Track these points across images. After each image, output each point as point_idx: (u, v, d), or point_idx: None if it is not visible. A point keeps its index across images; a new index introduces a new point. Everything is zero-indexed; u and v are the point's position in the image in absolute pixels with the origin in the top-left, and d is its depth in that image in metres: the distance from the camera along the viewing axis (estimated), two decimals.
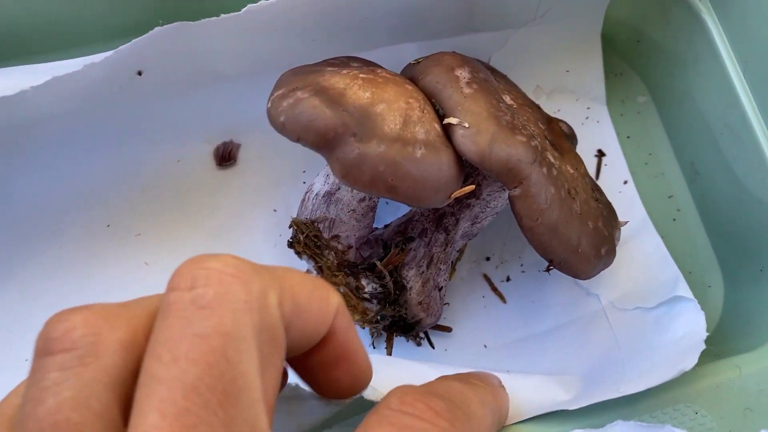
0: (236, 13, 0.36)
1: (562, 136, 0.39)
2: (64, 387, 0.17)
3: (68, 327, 0.18)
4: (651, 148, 0.49)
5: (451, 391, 0.24)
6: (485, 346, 0.42)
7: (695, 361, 0.32)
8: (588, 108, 0.49)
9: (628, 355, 0.37)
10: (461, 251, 0.45)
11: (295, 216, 0.38)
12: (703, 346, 0.33)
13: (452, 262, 0.45)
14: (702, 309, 0.42)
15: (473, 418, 0.24)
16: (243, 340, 0.18)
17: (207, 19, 0.36)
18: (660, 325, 0.37)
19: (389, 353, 0.39)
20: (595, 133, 0.48)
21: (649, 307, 0.39)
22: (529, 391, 0.33)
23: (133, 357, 0.18)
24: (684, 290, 0.37)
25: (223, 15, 0.36)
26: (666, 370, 0.31)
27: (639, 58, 0.50)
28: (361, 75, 0.34)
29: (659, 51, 0.48)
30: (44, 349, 0.18)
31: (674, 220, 0.47)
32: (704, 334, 0.33)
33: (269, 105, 0.33)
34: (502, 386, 0.30)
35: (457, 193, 0.33)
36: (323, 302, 0.22)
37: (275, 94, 0.33)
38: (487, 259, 0.45)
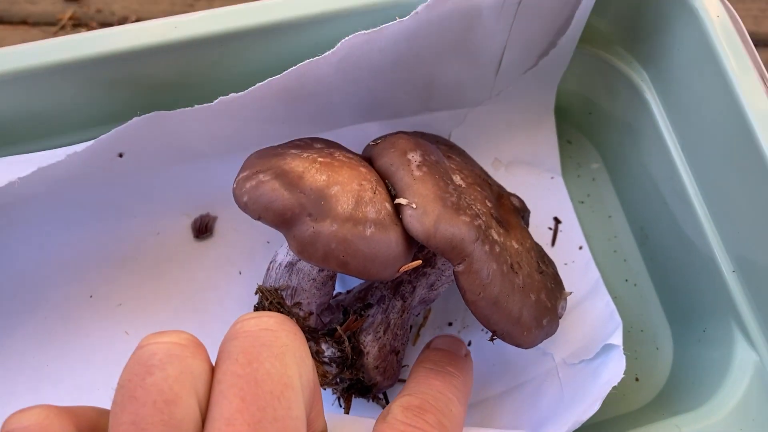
0: (209, 104, 0.40)
1: (511, 211, 0.42)
2: None
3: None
4: (605, 212, 0.52)
5: (437, 398, 0.33)
6: None
7: (596, 408, 0.35)
8: (544, 178, 0.52)
9: (569, 405, 0.39)
10: (426, 317, 0.48)
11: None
12: (607, 391, 0.36)
13: (417, 327, 0.47)
14: (651, 370, 0.45)
15: (454, 420, 0.33)
16: None
17: (182, 109, 0.40)
18: (596, 372, 0.40)
19: (347, 412, 0.41)
20: (552, 201, 0.51)
21: (589, 359, 0.41)
22: None
23: None
24: (616, 338, 0.40)
25: (196, 105, 0.40)
26: (575, 415, 0.34)
27: (591, 127, 0.54)
28: (320, 159, 0.37)
29: (609, 121, 0.52)
30: None
31: (626, 280, 0.49)
32: (617, 380, 0.36)
33: (234, 186, 0.36)
34: (468, 354, 0.40)
35: (405, 268, 0.35)
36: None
37: (240, 176, 0.36)
38: (450, 324, 0.47)
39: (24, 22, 0.65)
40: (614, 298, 0.46)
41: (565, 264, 0.49)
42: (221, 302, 0.47)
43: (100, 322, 0.46)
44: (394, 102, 0.46)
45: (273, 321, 0.26)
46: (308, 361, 0.27)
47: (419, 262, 0.36)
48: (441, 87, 0.46)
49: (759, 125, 0.38)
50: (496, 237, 0.37)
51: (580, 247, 0.49)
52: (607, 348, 0.41)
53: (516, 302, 0.36)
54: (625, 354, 0.46)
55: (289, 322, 0.27)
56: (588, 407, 0.35)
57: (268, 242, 0.49)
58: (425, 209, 0.35)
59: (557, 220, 0.50)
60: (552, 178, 0.52)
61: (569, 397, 0.41)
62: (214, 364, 0.25)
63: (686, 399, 0.41)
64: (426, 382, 0.35)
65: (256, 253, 0.49)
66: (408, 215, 0.36)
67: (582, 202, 0.52)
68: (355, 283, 0.45)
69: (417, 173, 0.37)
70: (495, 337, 0.37)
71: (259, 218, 0.35)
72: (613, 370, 0.38)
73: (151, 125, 0.40)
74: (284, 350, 0.25)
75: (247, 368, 0.24)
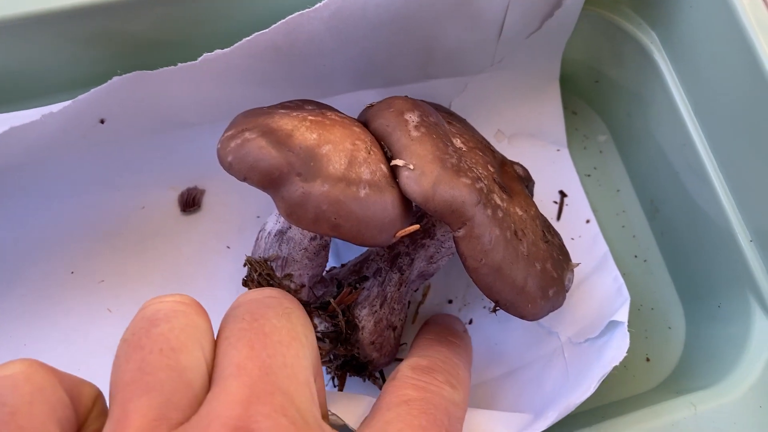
0: (193, 62, 0.37)
1: (514, 179, 0.40)
2: None
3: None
4: (613, 185, 0.50)
5: (445, 361, 0.33)
6: None
7: (591, 391, 0.33)
8: (549, 150, 0.50)
9: (573, 388, 0.37)
10: (425, 294, 0.45)
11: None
12: (606, 373, 0.34)
13: (416, 305, 0.45)
14: (663, 349, 0.42)
15: (462, 382, 0.33)
16: None
17: (165, 68, 0.37)
18: (601, 351, 0.37)
19: (340, 390, 0.39)
20: (557, 173, 0.49)
21: (594, 337, 0.39)
22: (474, 426, 0.33)
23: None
24: (621, 314, 0.37)
25: (180, 64, 0.37)
26: (572, 398, 0.32)
27: (598, 97, 0.51)
28: (310, 117, 0.34)
29: (617, 90, 0.49)
30: None
31: (636, 256, 0.47)
32: (618, 360, 0.34)
33: (219, 145, 0.34)
34: (465, 330, 0.40)
35: (402, 233, 0.33)
36: None
37: (225, 135, 0.34)
38: (450, 302, 0.45)
39: None
40: (623, 276, 0.44)
41: (572, 239, 0.46)
42: (209, 279, 0.45)
43: (82, 299, 0.44)
44: (390, 67, 0.44)
45: (275, 291, 0.27)
46: (311, 330, 0.27)
47: (417, 226, 0.34)
48: (440, 51, 0.44)
49: None
50: (498, 202, 0.35)
51: (587, 221, 0.47)
52: (612, 325, 0.38)
53: (520, 270, 0.34)
54: (635, 333, 0.44)
55: (291, 295, 0.28)
56: (585, 390, 0.33)
57: (258, 217, 0.47)
58: (423, 170, 0.33)
59: (563, 194, 0.48)
60: (558, 150, 0.49)
61: (574, 378, 0.39)
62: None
63: (700, 378, 0.39)
64: (431, 348, 0.35)
65: (246, 227, 0.46)
66: (405, 176, 0.33)
67: (588, 176, 0.50)
68: (350, 257, 0.42)
69: (414, 134, 0.35)
70: (497, 309, 0.35)
71: (244, 179, 0.32)
72: (616, 349, 0.35)
73: (133, 87, 0.38)
74: (289, 311, 0.26)
75: (254, 323, 0.24)
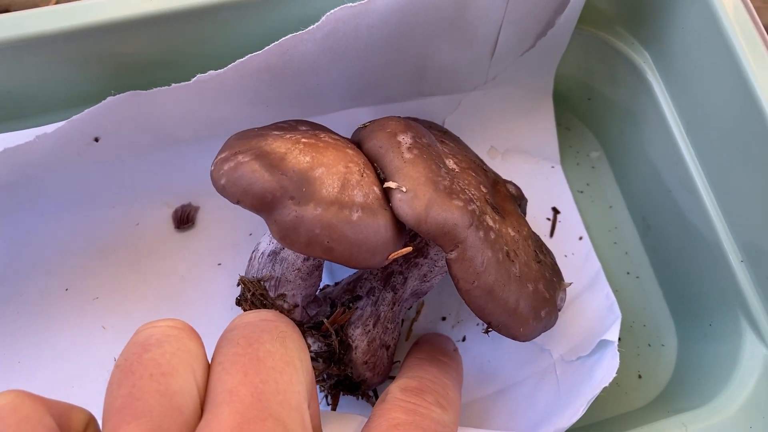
0: (186, 83, 0.37)
1: (507, 199, 0.40)
2: None
3: None
4: (605, 202, 0.50)
5: (435, 381, 0.33)
6: None
7: (580, 414, 0.33)
8: (542, 166, 0.50)
9: (564, 407, 0.37)
10: (418, 311, 0.46)
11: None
12: (596, 395, 0.34)
13: (410, 322, 0.45)
14: (655, 366, 0.42)
15: (452, 403, 0.33)
16: None
17: (158, 88, 0.38)
18: (592, 370, 0.37)
19: (333, 409, 0.39)
20: (550, 190, 0.49)
21: (586, 356, 0.39)
22: None
23: None
24: (612, 333, 0.38)
25: (173, 84, 0.38)
26: (563, 419, 0.33)
27: (591, 114, 0.51)
28: (303, 140, 0.35)
29: (610, 108, 0.50)
30: None
31: (628, 273, 0.47)
32: (608, 381, 0.34)
33: (212, 168, 0.34)
34: (456, 350, 0.40)
35: (395, 255, 0.33)
36: None
37: (218, 158, 0.34)
38: (443, 319, 0.45)
39: (6, 11, 0.63)
40: (615, 293, 0.44)
41: (565, 256, 0.46)
42: (203, 296, 0.45)
43: (76, 316, 0.44)
44: (384, 85, 0.44)
45: (272, 314, 0.27)
46: (306, 354, 0.27)
47: (410, 248, 0.34)
48: (434, 70, 0.44)
49: None
50: (491, 223, 0.35)
51: (580, 238, 0.47)
52: (604, 344, 0.38)
53: (512, 292, 0.34)
54: (627, 350, 0.44)
55: (287, 318, 0.28)
56: (574, 412, 0.33)
57: (251, 234, 0.47)
58: (416, 193, 0.33)
59: (556, 211, 0.48)
60: (552, 167, 0.50)
61: (565, 397, 0.39)
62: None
63: (691, 396, 0.39)
64: (421, 368, 0.35)
65: (240, 245, 0.46)
66: (398, 199, 0.33)
67: (581, 192, 0.50)
68: (343, 275, 0.43)
69: (407, 156, 0.35)
70: (490, 330, 0.35)
71: (237, 202, 0.33)
72: (607, 369, 0.36)
73: (127, 106, 0.38)
74: (284, 335, 0.26)
75: (248, 348, 0.24)
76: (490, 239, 0.34)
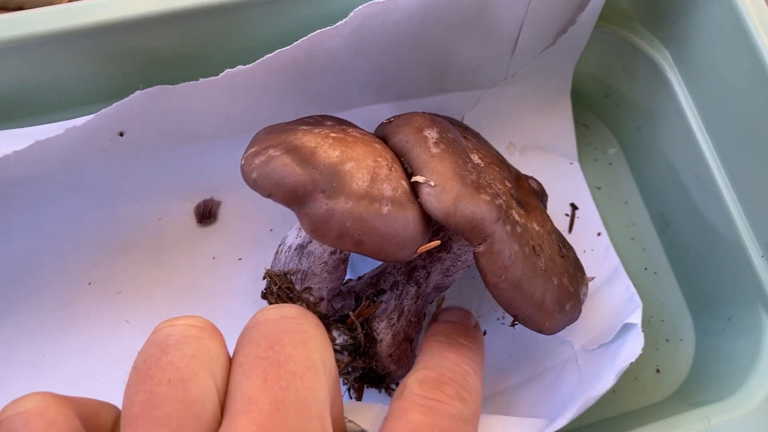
0: (214, 77, 0.38)
1: (530, 194, 0.40)
2: None
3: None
4: (623, 198, 0.50)
5: (455, 370, 0.32)
6: None
7: (611, 383, 0.33)
8: (560, 163, 0.50)
9: (587, 390, 0.37)
10: (439, 305, 0.46)
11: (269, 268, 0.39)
12: (625, 367, 0.34)
13: (432, 317, 0.45)
14: (673, 361, 0.43)
15: (473, 392, 0.32)
16: None
17: (186, 83, 0.38)
18: (616, 353, 0.38)
19: (359, 399, 0.39)
20: (568, 187, 0.50)
21: (608, 342, 0.40)
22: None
23: None
24: (635, 317, 0.38)
25: (201, 79, 0.38)
26: (595, 390, 0.33)
27: (608, 111, 0.52)
28: (332, 134, 0.35)
29: (627, 105, 0.50)
30: None
31: (645, 269, 0.48)
32: (635, 356, 0.34)
33: (243, 162, 0.34)
34: (477, 325, 0.38)
35: (423, 248, 0.34)
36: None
37: (249, 152, 0.35)
38: None
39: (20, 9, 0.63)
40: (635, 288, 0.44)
41: (584, 251, 0.47)
42: (224, 290, 0.45)
43: (99, 310, 0.44)
44: (406, 81, 0.44)
45: (294, 310, 0.26)
46: (330, 353, 0.26)
47: (438, 242, 0.34)
48: (455, 66, 0.44)
49: None
50: (517, 218, 0.35)
51: (599, 234, 0.48)
52: (626, 328, 0.39)
53: (539, 285, 0.34)
54: (645, 345, 0.44)
55: (311, 313, 0.27)
56: (604, 384, 0.33)
57: (271, 230, 0.47)
58: (444, 187, 0.34)
59: (574, 207, 0.49)
60: (571, 163, 0.50)
61: (588, 381, 0.40)
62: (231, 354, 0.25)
63: (710, 390, 0.40)
64: (440, 355, 0.34)
65: (261, 240, 0.47)
66: (426, 193, 0.34)
67: (599, 188, 0.50)
68: (365, 269, 0.43)
69: (434, 150, 0.35)
70: (516, 323, 0.35)
71: (269, 195, 0.33)
72: (631, 348, 0.36)
73: (154, 101, 0.38)
74: (306, 336, 0.25)
75: (269, 351, 0.24)
76: (517, 233, 0.35)
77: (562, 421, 0.34)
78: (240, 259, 0.46)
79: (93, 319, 0.44)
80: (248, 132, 0.39)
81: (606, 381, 0.34)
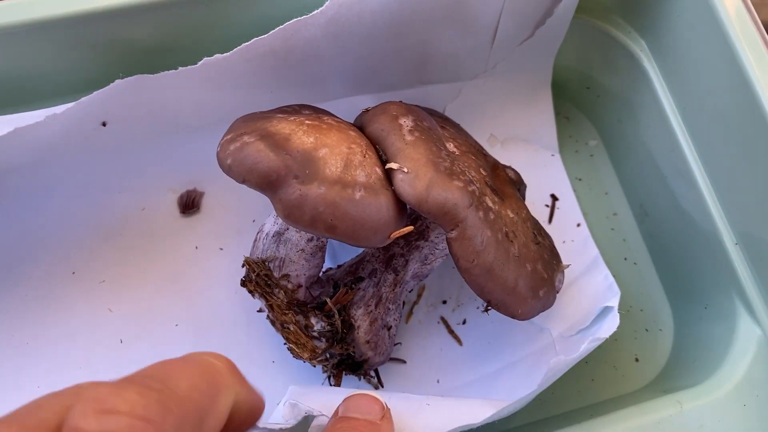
0: (193, 66, 0.38)
1: (506, 182, 0.41)
2: None
3: None
4: (603, 189, 0.51)
5: None
6: (438, 381, 0.43)
7: (584, 347, 0.33)
8: (541, 155, 0.51)
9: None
10: (419, 294, 0.46)
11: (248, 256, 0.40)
12: (598, 339, 0.34)
13: (411, 305, 0.46)
14: (652, 349, 0.43)
15: None
16: None
17: (165, 72, 0.38)
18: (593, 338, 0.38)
19: (338, 386, 0.40)
20: (549, 178, 0.50)
21: (585, 327, 0.40)
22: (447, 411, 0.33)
23: None
24: (612, 302, 0.38)
25: (180, 68, 0.38)
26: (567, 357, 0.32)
27: (589, 103, 0.52)
28: (307, 121, 0.35)
29: (607, 96, 0.50)
30: None
31: (625, 259, 0.48)
32: (609, 333, 0.34)
33: (218, 148, 0.35)
34: (386, 415, 0.32)
35: (396, 234, 0.34)
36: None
37: (224, 139, 0.35)
38: (444, 302, 0.46)
39: None
40: (614, 277, 0.45)
41: (563, 242, 0.47)
42: (206, 279, 0.46)
43: (83, 299, 0.45)
44: (386, 72, 0.45)
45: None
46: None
47: (411, 228, 0.35)
48: (435, 57, 0.45)
49: (766, 94, 0.36)
50: (490, 204, 0.36)
51: (578, 225, 0.48)
52: (604, 313, 0.39)
53: (511, 271, 0.35)
54: (624, 335, 0.45)
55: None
56: (575, 352, 0.33)
57: (254, 220, 0.48)
58: (417, 173, 0.34)
59: (554, 198, 0.49)
60: (552, 155, 0.50)
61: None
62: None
63: (687, 377, 0.40)
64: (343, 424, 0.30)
65: (243, 230, 0.47)
66: (399, 179, 0.34)
67: (579, 179, 0.51)
68: (345, 258, 0.43)
69: (409, 138, 0.36)
70: (489, 308, 0.36)
71: (243, 181, 0.33)
72: (608, 329, 0.36)
73: (135, 90, 0.39)
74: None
75: None
76: (490, 219, 0.35)
77: (537, 389, 0.34)
78: (222, 248, 0.47)
79: (77, 308, 0.44)
80: (230, 121, 0.40)
81: (579, 350, 0.33)
